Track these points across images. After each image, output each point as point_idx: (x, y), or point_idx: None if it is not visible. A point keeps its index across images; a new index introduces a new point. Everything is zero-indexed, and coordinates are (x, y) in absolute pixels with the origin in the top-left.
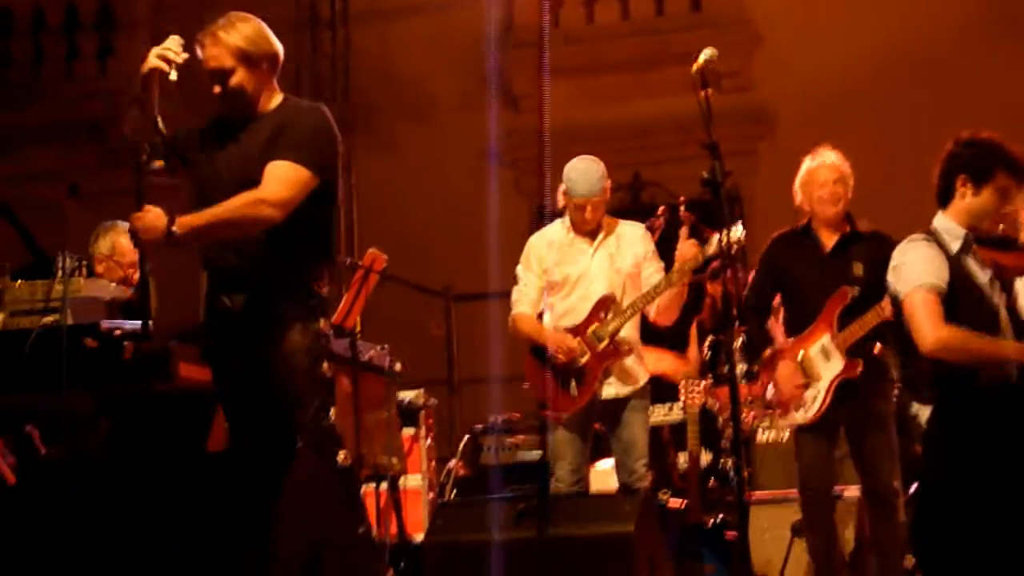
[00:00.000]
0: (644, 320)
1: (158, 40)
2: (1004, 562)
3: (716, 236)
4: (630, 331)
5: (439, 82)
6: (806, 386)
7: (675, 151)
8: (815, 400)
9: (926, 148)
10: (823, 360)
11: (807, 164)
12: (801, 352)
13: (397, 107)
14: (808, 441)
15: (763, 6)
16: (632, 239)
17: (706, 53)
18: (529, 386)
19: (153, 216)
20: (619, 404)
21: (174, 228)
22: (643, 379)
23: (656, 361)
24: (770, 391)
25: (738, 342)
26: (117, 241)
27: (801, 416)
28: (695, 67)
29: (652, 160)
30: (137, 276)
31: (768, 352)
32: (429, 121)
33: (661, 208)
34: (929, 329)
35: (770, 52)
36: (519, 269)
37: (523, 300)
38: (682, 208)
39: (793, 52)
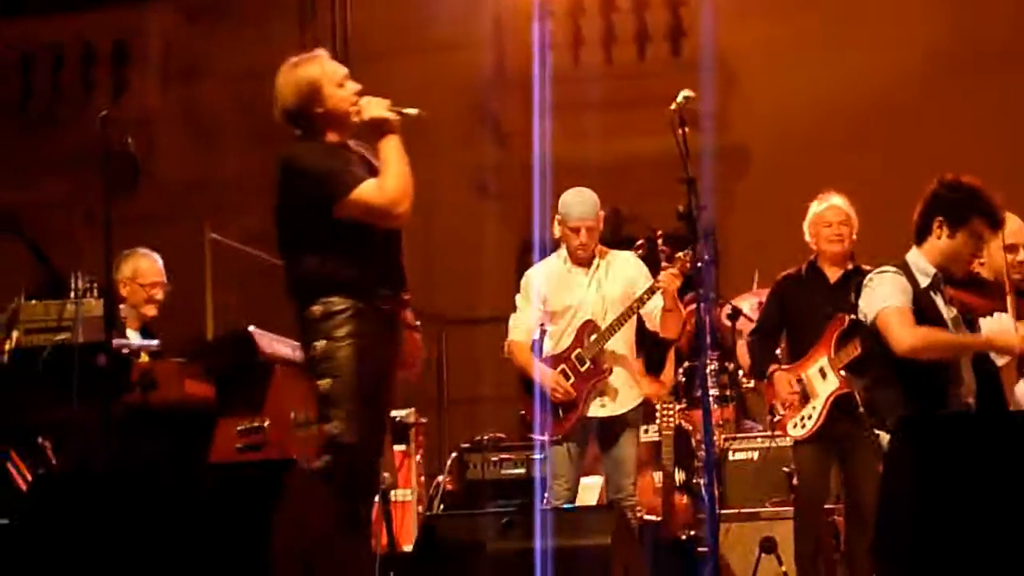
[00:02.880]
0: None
1: (168, 76)
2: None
3: (679, 254)
4: (622, 350)
5: (434, 120)
6: (804, 402)
7: (654, 186)
8: (811, 417)
9: (894, 186)
10: (820, 379)
11: (815, 208)
12: (802, 373)
13: None
14: (807, 452)
15: (738, 51)
16: (622, 265)
17: (683, 93)
18: (524, 412)
19: None
20: (613, 422)
21: None
22: (637, 399)
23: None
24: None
25: (711, 367)
26: (138, 265)
27: (798, 432)
28: (673, 106)
29: (632, 195)
30: (159, 296)
31: (771, 369)
32: (425, 157)
33: (640, 241)
34: (906, 331)
35: (745, 94)
36: (518, 298)
37: (519, 327)
38: (659, 241)
39: (767, 94)
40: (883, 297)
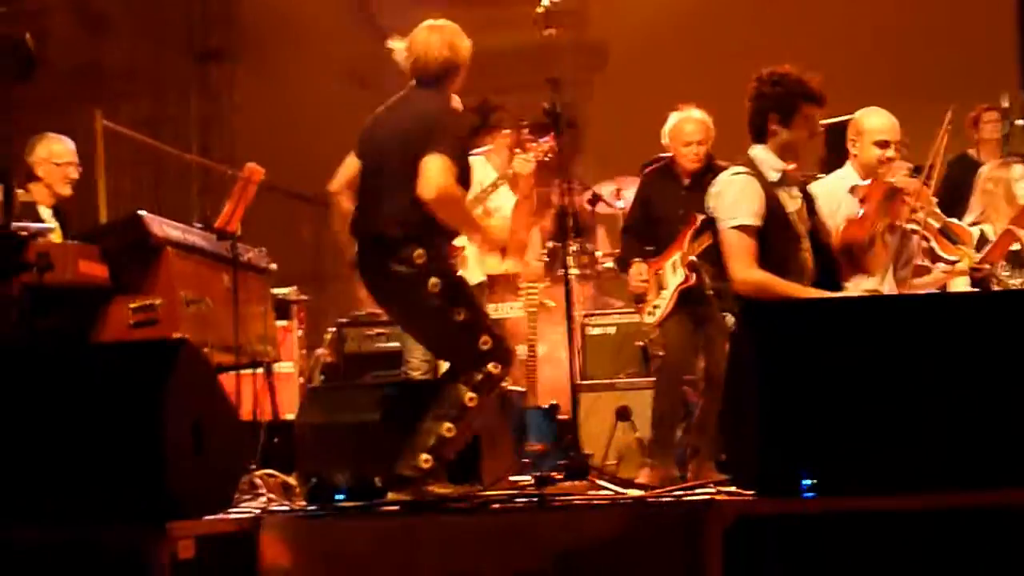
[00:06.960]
0: None
1: None
2: (791, 440)
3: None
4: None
5: (314, 14)
6: (659, 292)
7: (521, 79)
8: (659, 306)
9: (745, 83)
10: (672, 273)
11: (674, 120)
12: (661, 265)
13: (276, 36)
14: (673, 328)
15: None
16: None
17: None
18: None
19: None
20: None
21: None
22: (481, 276)
23: (499, 263)
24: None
25: (572, 248)
26: (51, 147)
27: (650, 319)
28: (539, 9)
29: (501, 86)
30: (75, 175)
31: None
32: (304, 49)
33: (507, 130)
34: (741, 268)
35: None
36: None
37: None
38: (526, 130)
39: None
40: (734, 209)
